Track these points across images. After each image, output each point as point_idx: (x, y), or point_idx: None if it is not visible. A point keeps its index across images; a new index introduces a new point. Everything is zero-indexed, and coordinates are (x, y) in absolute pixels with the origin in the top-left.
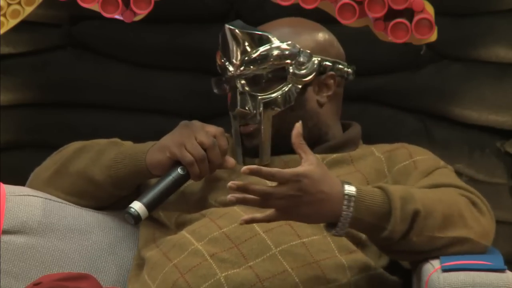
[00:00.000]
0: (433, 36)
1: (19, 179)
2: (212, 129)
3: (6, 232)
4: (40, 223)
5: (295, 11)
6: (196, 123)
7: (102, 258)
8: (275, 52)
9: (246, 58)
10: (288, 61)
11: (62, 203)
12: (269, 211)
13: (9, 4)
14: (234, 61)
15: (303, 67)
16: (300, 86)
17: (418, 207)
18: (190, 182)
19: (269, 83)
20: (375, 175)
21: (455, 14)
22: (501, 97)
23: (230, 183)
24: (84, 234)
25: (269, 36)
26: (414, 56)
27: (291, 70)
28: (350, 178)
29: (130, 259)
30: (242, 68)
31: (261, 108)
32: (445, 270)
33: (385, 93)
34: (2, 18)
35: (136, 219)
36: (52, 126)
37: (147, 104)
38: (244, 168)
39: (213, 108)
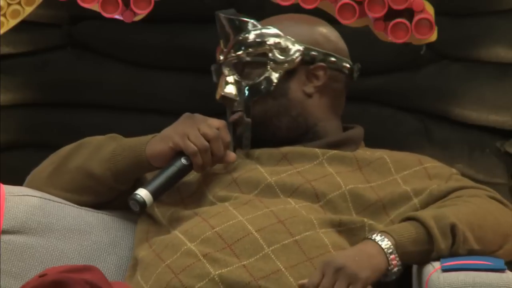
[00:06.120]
0: (433, 36)
1: (19, 179)
2: (215, 121)
3: (5, 232)
4: (40, 223)
5: (295, 11)
6: (199, 115)
7: (101, 258)
8: (255, 37)
9: (230, 44)
10: (268, 46)
11: (61, 203)
12: None
13: (9, 4)
14: (222, 48)
15: (283, 53)
16: (281, 73)
17: (453, 220)
18: (189, 177)
19: (251, 69)
20: (377, 175)
21: (455, 14)
22: (501, 97)
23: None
24: (83, 234)
25: (250, 22)
26: (414, 56)
27: (271, 56)
28: (351, 176)
29: (130, 260)
30: (228, 55)
31: (245, 95)
32: (445, 270)
33: (385, 93)
34: (2, 18)
35: (142, 205)
36: (52, 126)
37: (147, 104)
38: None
39: (213, 108)
